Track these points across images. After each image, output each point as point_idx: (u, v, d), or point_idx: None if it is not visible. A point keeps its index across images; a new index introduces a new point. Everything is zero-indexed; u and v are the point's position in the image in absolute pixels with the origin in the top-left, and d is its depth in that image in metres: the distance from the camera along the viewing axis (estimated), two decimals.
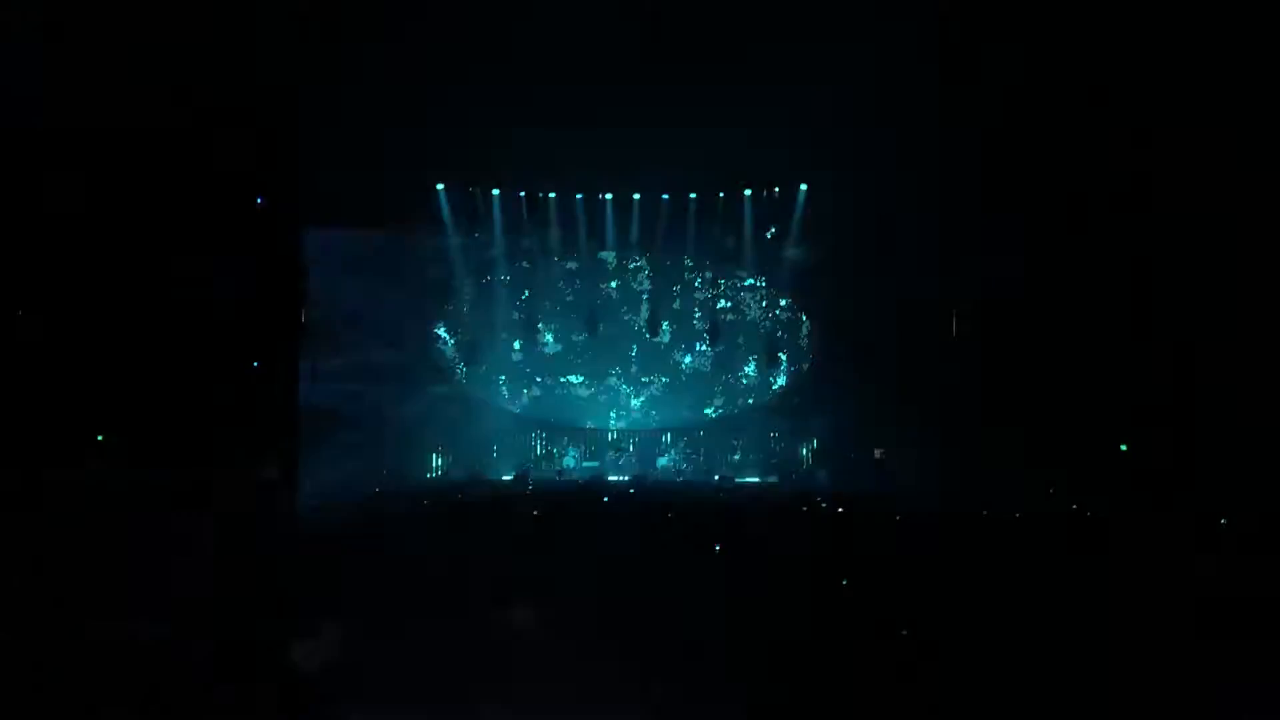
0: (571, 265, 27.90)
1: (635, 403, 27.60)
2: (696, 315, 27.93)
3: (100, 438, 2.98)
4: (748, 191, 26.89)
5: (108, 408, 2.92)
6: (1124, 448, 21.81)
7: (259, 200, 3.15)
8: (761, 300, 28.02)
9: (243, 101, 3.22)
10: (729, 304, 28.01)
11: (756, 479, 26.00)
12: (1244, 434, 17.36)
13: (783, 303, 27.99)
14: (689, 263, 27.84)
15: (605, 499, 17.16)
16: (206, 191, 2.86)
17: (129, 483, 3.06)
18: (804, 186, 26.52)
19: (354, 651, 4.94)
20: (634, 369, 27.75)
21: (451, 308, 27.80)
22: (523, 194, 26.90)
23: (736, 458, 26.64)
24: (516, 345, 27.83)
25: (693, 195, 26.83)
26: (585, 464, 26.39)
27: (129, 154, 2.93)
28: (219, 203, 2.90)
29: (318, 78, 19.39)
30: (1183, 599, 7.32)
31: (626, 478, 24.50)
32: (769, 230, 27.40)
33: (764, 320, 27.91)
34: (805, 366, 27.76)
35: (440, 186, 26.34)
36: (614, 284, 28.08)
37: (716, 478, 25.48)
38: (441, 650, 5.74)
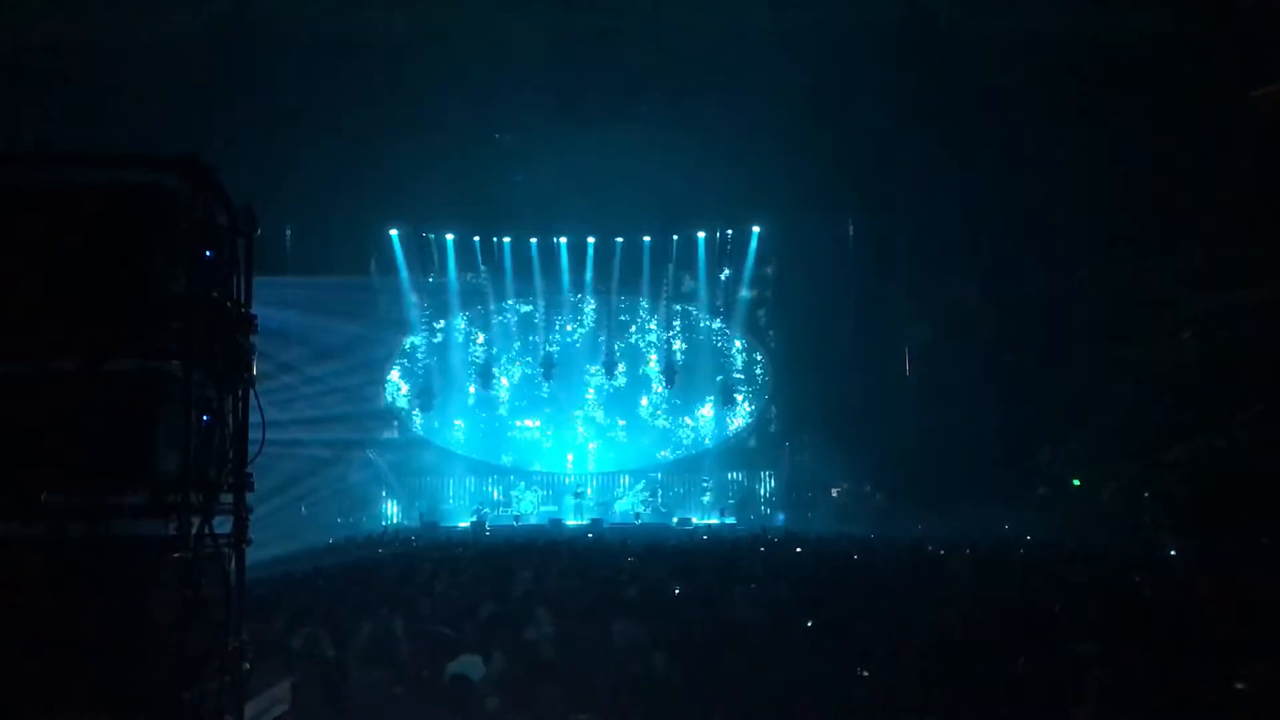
0: (526, 309, 27.97)
1: (592, 445, 27.50)
2: (652, 357, 28.09)
3: (44, 496, 2.88)
4: (701, 234, 27.18)
5: (52, 466, 2.83)
6: (1076, 483, 22.12)
7: (207, 254, 3.09)
8: (717, 341, 28.21)
9: (186, 154, 3.16)
10: (685, 345, 28.15)
11: (715, 519, 25.93)
12: None
13: (738, 343, 28.18)
14: (644, 304, 28.07)
15: (563, 543, 16.99)
16: (146, 246, 2.80)
17: (72, 537, 2.97)
18: (757, 229, 26.84)
19: (302, 703, 4.81)
20: (590, 412, 27.72)
21: (406, 353, 27.73)
22: (477, 238, 26.90)
23: (706, 499, 26.62)
24: (472, 390, 27.74)
25: (646, 238, 27.01)
26: (543, 508, 26.17)
27: (75, 208, 2.89)
28: (158, 256, 2.84)
29: (269, 126, 19.44)
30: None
31: (585, 521, 24.30)
32: (723, 271, 27.74)
33: (720, 361, 28.14)
34: (761, 406, 27.92)
35: (394, 232, 26.29)
36: (569, 327, 28.15)
37: (675, 520, 25.37)
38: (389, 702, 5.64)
